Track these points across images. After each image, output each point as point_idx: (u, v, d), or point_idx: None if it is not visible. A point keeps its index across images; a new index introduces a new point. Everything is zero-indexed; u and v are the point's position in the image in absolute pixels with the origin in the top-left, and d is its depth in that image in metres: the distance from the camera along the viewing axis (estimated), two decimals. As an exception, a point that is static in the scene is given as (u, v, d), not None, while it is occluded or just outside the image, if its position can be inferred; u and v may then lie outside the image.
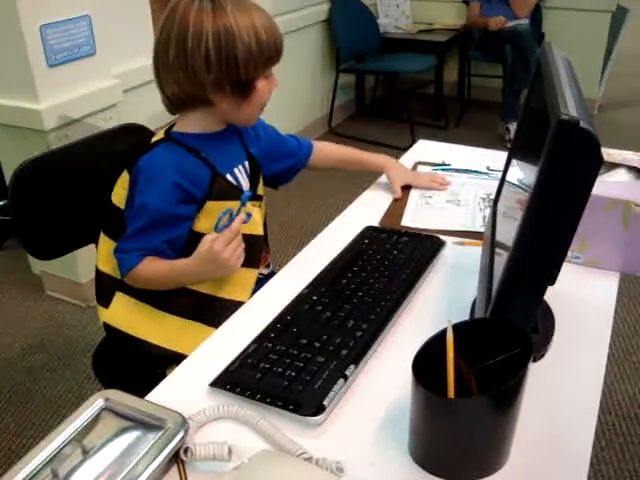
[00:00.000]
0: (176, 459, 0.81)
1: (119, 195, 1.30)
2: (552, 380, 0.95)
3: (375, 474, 0.80)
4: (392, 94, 5.39)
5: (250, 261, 1.31)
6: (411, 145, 1.93)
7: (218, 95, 1.22)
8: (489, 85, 4.93)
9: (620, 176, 1.30)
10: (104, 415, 0.86)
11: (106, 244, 1.35)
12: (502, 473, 0.80)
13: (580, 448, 0.83)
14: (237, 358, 0.97)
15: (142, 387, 0.96)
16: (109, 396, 0.87)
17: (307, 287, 1.15)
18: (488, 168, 1.65)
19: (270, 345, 0.99)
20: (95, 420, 0.85)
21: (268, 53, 1.21)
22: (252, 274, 1.35)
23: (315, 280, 1.17)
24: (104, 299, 1.36)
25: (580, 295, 1.15)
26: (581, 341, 1.04)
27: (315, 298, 1.11)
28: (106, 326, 1.36)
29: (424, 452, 0.81)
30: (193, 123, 1.29)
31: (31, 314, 2.65)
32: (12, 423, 2.07)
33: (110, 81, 2.55)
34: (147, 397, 0.93)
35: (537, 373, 0.95)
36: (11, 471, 0.76)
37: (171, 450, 0.79)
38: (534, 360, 0.99)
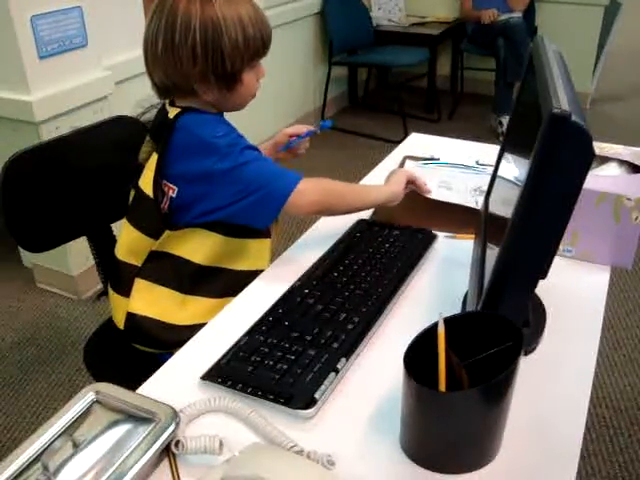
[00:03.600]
0: (167, 452, 0.81)
1: (147, 178, 1.25)
2: (543, 373, 0.95)
3: (366, 467, 0.80)
4: (385, 87, 5.38)
5: (261, 233, 1.34)
6: (404, 138, 1.93)
7: (203, 86, 1.21)
8: (482, 78, 4.92)
9: (611, 170, 1.30)
10: (95, 408, 0.86)
11: (129, 233, 1.32)
12: (493, 466, 0.80)
13: (570, 440, 0.83)
14: (228, 351, 0.97)
15: (133, 380, 0.95)
16: (100, 389, 0.87)
17: (299, 280, 1.15)
18: (477, 162, 1.65)
19: (262, 338, 0.99)
20: (86, 413, 0.85)
21: (254, 46, 1.20)
22: (265, 244, 1.36)
23: (307, 273, 1.17)
24: (123, 288, 1.33)
25: (571, 288, 1.16)
26: (572, 334, 1.04)
27: (307, 291, 1.11)
28: (130, 316, 1.31)
29: (415, 445, 0.81)
30: (199, 107, 1.27)
31: (22, 307, 2.64)
32: (3, 416, 2.07)
33: (102, 73, 2.54)
34: (138, 390, 0.93)
35: (528, 366, 0.95)
36: (1, 465, 0.76)
37: (162, 443, 0.79)
38: (525, 353, 0.99)
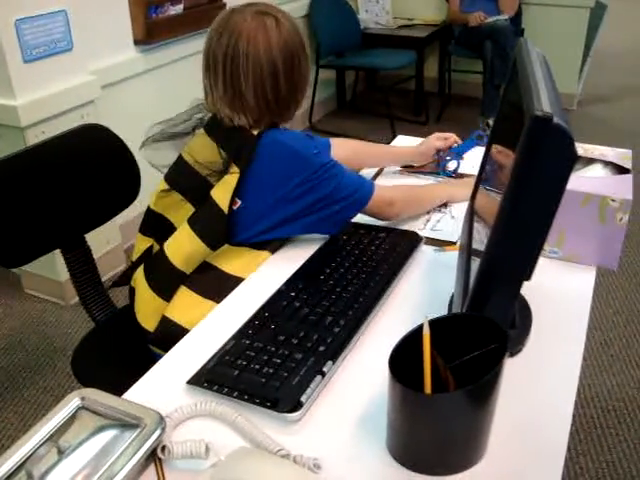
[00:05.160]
0: (153, 457, 0.81)
1: (224, 193, 1.25)
2: (529, 374, 0.96)
3: (353, 470, 0.80)
4: (372, 90, 5.39)
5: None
6: (391, 140, 1.93)
7: (295, 96, 1.31)
8: (469, 81, 4.94)
9: (596, 171, 1.31)
10: (80, 414, 0.85)
11: (190, 238, 1.28)
12: (479, 467, 0.81)
13: (556, 441, 0.84)
14: (214, 355, 0.97)
15: (121, 386, 0.95)
16: (85, 395, 0.87)
17: (285, 283, 1.15)
18: (454, 171, 1.66)
19: (248, 342, 0.99)
20: (71, 419, 0.84)
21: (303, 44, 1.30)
22: None
23: (293, 276, 1.17)
24: (165, 291, 1.31)
25: (557, 290, 1.16)
26: (558, 335, 1.05)
27: (293, 294, 1.11)
28: (165, 321, 1.29)
29: (401, 447, 0.82)
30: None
31: (9, 313, 2.62)
32: (-10, 423, 2.05)
33: (87, 77, 2.52)
34: (124, 395, 0.92)
35: (515, 367, 0.96)
36: (-16, 473, 0.76)
37: (148, 448, 0.79)
38: (512, 355, 0.99)
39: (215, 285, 1.28)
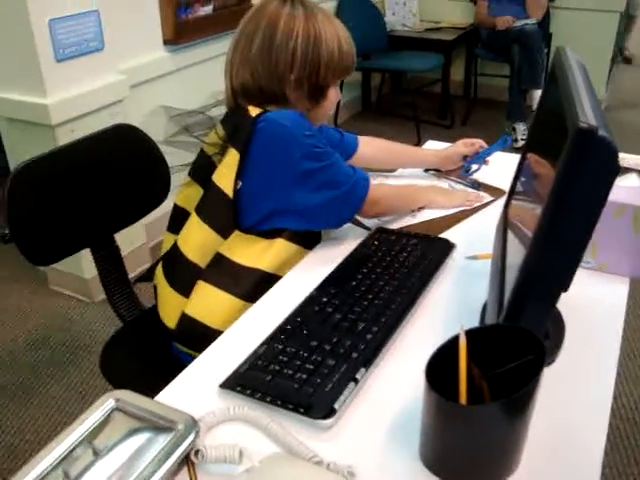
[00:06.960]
0: (187, 461, 0.81)
1: (225, 177, 1.24)
2: (563, 385, 0.95)
3: (385, 478, 0.80)
4: (398, 92, 5.38)
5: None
6: (417, 144, 1.94)
7: (296, 94, 1.27)
8: (496, 84, 4.91)
9: (631, 181, 1.29)
10: (115, 416, 0.86)
11: (199, 229, 1.28)
12: (513, 479, 0.80)
13: (591, 453, 0.83)
14: (247, 359, 0.97)
15: (150, 387, 0.95)
16: (119, 396, 0.87)
17: (317, 289, 1.15)
18: (476, 182, 1.64)
19: (280, 347, 0.99)
20: (106, 421, 0.85)
21: (346, 63, 1.29)
22: None
23: (325, 281, 1.17)
24: (183, 286, 1.31)
25: (590, 300, 1.15)
26: (591, 346, 1.03)
27: (325, 300, 1.10)
28: (185, 318, 1.29)
29: (435, 457, 0.81)
30: None
31: (35, 309, 2.65)
32: (15, 419, 2.07)
33: (117, 76, 2.55)
34: (157, 398, 0.93)
35: (548, 378, 0.94)
36: (22, 471, 0.76)
37: (182, 452, 0.79)
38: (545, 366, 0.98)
39: (229, 277, 1.28)
